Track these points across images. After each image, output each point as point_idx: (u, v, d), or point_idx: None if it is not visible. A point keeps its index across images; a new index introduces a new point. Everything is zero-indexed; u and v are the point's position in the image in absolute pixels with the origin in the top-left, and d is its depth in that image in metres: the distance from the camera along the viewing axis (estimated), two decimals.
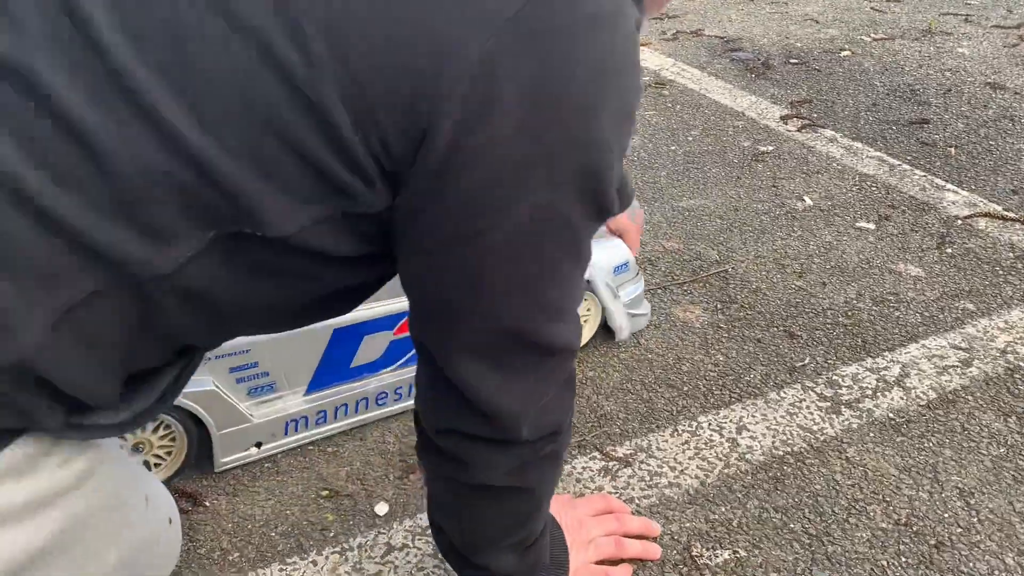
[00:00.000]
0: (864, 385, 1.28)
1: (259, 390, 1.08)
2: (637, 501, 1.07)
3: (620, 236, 1.37)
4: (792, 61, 2.67)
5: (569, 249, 0.64)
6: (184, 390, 0.97)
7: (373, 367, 1.16)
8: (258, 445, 1.11)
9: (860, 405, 1.24)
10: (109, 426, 0.67)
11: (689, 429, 1.20)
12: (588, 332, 1.34)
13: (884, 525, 1.04)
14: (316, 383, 1.12)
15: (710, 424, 1.20)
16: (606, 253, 1.30)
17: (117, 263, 0.55)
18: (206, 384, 1.02)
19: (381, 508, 1.06)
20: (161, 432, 1.03)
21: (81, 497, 0.68)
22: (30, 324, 0.54)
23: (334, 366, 1.12)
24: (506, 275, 0.62)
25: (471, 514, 0.78)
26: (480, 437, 0.70)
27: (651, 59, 2.72)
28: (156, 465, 1.06)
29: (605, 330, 1.35)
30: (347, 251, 0.63)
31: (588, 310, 1.32)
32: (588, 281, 1.27)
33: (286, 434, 1.12)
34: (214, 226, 0.57)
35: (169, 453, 1.06)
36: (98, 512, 0.71)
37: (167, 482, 1.07)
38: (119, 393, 0.68)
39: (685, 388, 1.28)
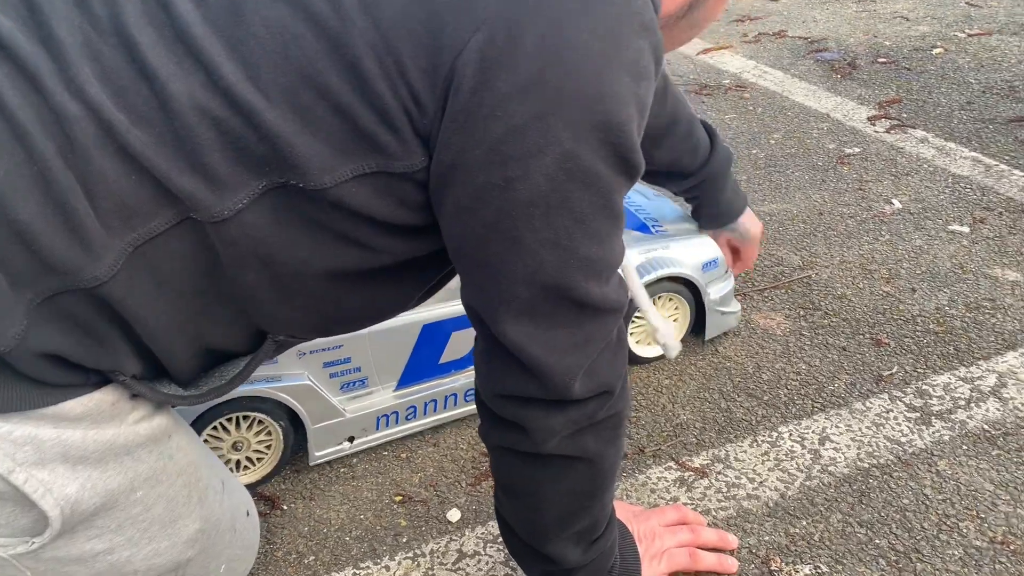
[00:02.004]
0: (957, 395, 1.22)
1: (351, 385, 1.11)
2: (714, 513, 1.05)
3: (736, 249, 1.33)
4: (880, 60, 2.58)
5: (599, 203, 0.65)
6: (281, 384, 1.02)
7: (462, 363, 1.17)
8: (350, 439, 1.13)
9: (952, 416, 1.18)
10: (181, 396, 0.73)
11: (769, 440, 1.16)
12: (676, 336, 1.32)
13: (978, 543, 0.98)
14: (406, 379, 1.14)
15: (791, 435, 1.17)
16: (693, 250, 1.28)
17: (183, 201, 0.61)
18: (301, 379, 1.04)
19: (453, 514, 1.06)
20: (256, 429, 1.07)
21: (155, 456, 0.74)
22: (109, 250, 0.60)
23: (424, 362, 1.14)
24: (538, 227, 0.64)
25: (532, 492, 0.78)
26: (534, 399, 0.71)
27: (732, 62, 2.67)
28: (259, 460, 1.09)
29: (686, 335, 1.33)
30: (390, 215, 0.66)
31: (676, 308, 1.30)
32: (683, 280, 1.26)
33: (377, 429, 1.14)
34: (263, 175, 0.62)
35: (268, 447, 1.09)
36: (172, 477, 0.76)
37: (262, 481, 1.10)
38: (194, 369, 0.73)
39: (765, 397, 1.24)
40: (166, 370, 0.72)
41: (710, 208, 1.27)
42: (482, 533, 1.03)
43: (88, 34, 0.61)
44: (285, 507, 1.08)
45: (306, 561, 1.01)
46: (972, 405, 1.20)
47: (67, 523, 0.67)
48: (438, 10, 0.60)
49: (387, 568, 0.99)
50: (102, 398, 0.67)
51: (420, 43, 0.60)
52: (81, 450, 0.66)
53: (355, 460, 1.15)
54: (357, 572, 0.99)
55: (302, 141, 0.61)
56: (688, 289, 1.28)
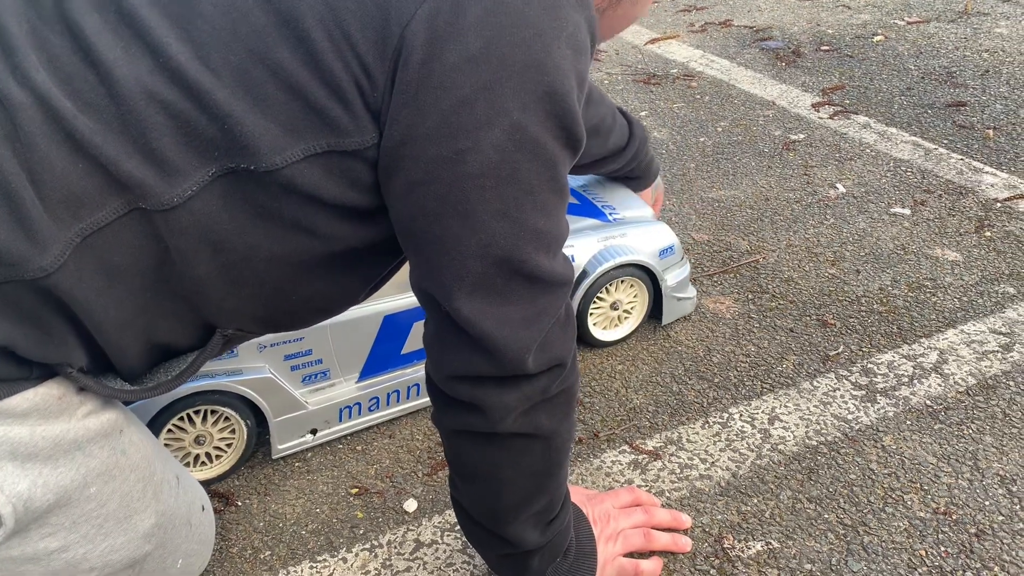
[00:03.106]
0: (900, 372, 1.25)
1: (313, 377, 1.10)
2: (668, 494, 1.06)
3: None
4: (823, 48, 2.63)
5: (546, 175, 0.66)
6: (242, 378, 1.02)
7: (423, 354, 1.16)
8: (313, 432, 1.12)
9: (896, 393, 1.21)
10: (128, 391, 0.72)
11: (720, 421, 1.18)
12: (634, 322, 1.34)
13: (922, 514, 1.01)
14: (368, 370, 1.14)
15: (741, 415, 1.19)
16: (650, 237, 1.29)
17: (131, 190, 0.60)
18: (262, 372, 1.04)
19: (410, 505, 1.06)
20: (221, 424, 1.05)
21: (107, 451, 0.73)
22: (56, 241, 0.59)
23: (385, 353, 1.14)
24: (490, 199, 0.64)
25: (490, 475, 0.78)
26: (488, 377, 0.71)
27: (679, 51, 2.70)
28: (217, 457, 1.08)
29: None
30: (340, 197, 0.66)
31: (635, 293, 1.31)
32: (641, 267, 1.28)
33: (340, 420, 1.14)
34: (212, 161, 0.62)
35: (229, 445, 1.08)
36: (126, 472, 0.75)
37: (219, 478, 1.09)
38: (142, 365, 0.73)
39: (716, 380, 1.26)
40: (112, 365, 0.71)
41: (645, 171, 1.38)
42: (439, 522, 1.03)
43: (33, 22, 0.60)
44: (240, 503, 1.07)
45: (262, 556, 1.00)
46: (915, 382, 1.23)
47: (20, 522, 0.66)
48: None
49: (344, 560, 0.99)
50: (47, 392, 0.66)
51: (368, 14, 0.60)
52: (30, 447, 0.65)
53: (310, 454, 1.14)
54: (314, 565, 0.99)
55: (253, 120, 0.61)
56: (646, 275, 1.29)
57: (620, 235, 1.28)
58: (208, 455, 1.07)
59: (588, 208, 1.34)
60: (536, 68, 0.62)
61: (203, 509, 0.91)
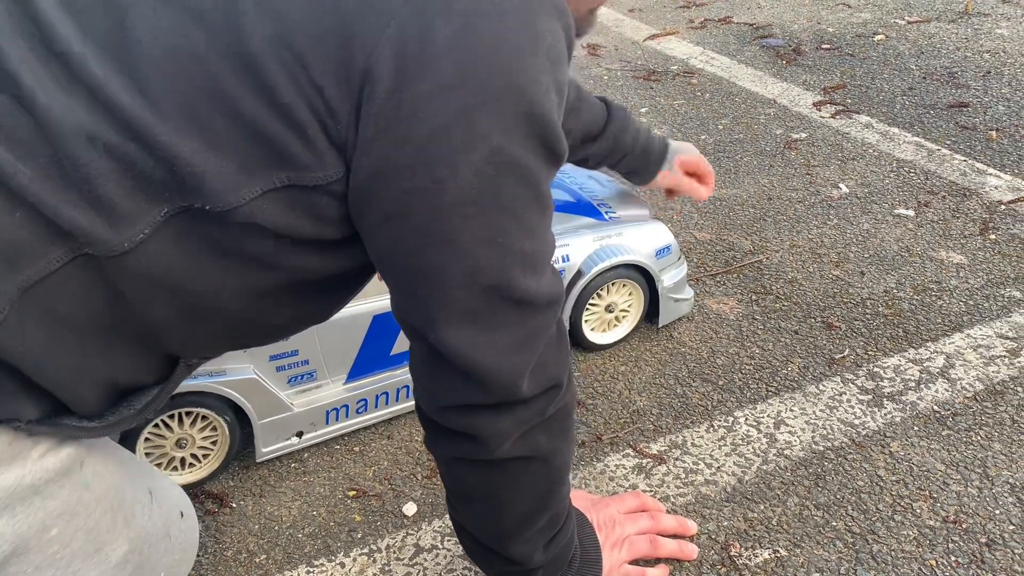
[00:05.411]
0: (907, 377, 1.24)
1: (299, 378, 1.07)
2: (672, 499, 1.04)
3: (694, 173, 1.28)
4: (824, 46, 2.61)
5: (530, 196, 0.63)
6: (225, 378, 0.98)
7: None
8: (299, 435, 1.09)
9: (903, 398, 1.19)
10: (85, 428, 0.66)
11: (725, 424, 1.16)
12: (629, 324, 1.31)
13: (931, 522, 1.00)
14: (356, 371, 1.11)
15: (747, 419, 1.17)
16: (646, 236, 1.26)
17: (76, 237, 0.56)
18: (247, 372, 1.01)
19: (409, 508, 1.04)
20: (201, 424, 1.02)
21: (68, 489, 0.67)
22: None
23: (374, 354, 1.11)
24: (472, 228, 0.61)
25: (490, 498, 0.75)
26: (482, 405, 0.68)
27: (679, 48, 2.67)
28: (204, 457, 1.05)
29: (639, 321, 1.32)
30: (303, 231, 0.62)
31: (630, 294, 1.29)
32: (637, 267, 1.25)
33: (327, 423, 1.11)
34: (163, 202, 0.57)
35: (214, 443, 1.05)
36: (91, 506, 0.69)
37: (209, 478, 1.06)
38: (103, 405, 0.67)
39: (720, 382, 1.24)
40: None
41: (644, 156, 1.24)
42: (439, 527, 1.01)
43: None
44: (234, 505, 1.04)
45: (257, 560, 0.97)
46: (922, 386, 1.21)
47: None
48: (342, 5, 0.56)
49: (342, 565, 0.96)
50: None
51: (325, 38, 0.56)
52: None
53: (306, 455, 1.12)
54: (311, 570, 0.96)
55: (203, 159, 0.56)
56: (642, 276, 1.27)
57: (616, 234, 1.25)
58: (194, 456, 1.04)
59: (584, 207, 1.31)
60: (516, 90, 0.58)
61: (182, 516, 0.86)
